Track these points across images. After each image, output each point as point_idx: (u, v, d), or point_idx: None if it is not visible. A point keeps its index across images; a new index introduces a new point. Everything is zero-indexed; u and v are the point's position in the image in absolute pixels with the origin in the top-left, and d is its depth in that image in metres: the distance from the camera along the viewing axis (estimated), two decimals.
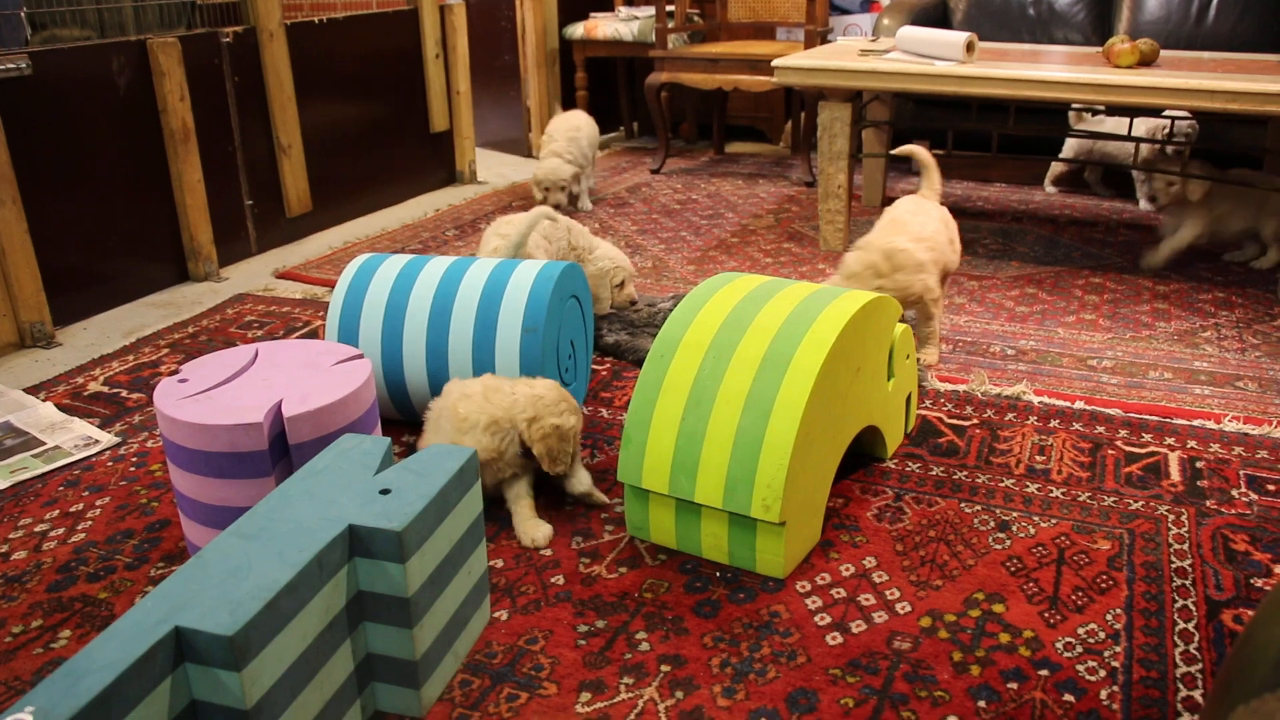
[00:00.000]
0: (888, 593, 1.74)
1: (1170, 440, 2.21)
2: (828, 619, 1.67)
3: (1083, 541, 1.86)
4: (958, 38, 3.19)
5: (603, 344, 2.72)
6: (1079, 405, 2.37)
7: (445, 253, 3.60)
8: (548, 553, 1.87)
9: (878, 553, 1.85)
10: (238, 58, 3.58)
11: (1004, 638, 1.62)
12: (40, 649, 1.67)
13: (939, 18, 4.45)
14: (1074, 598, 1.71)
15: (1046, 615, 1.67)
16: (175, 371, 1.93)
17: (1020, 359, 2.66)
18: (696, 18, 5.24)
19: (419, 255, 2.39)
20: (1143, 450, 2.17)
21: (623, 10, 5.33)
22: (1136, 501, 1.98)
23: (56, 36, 3.20)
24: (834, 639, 1.63)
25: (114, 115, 3.20)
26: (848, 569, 1.80)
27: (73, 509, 2.09)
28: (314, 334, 2.95)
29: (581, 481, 2.00)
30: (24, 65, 2.90)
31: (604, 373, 2.63)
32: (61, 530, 2.01)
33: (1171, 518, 1.93)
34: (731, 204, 4.26)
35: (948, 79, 3.12)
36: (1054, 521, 1.93)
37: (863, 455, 2.15)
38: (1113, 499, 1.99)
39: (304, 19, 3.90)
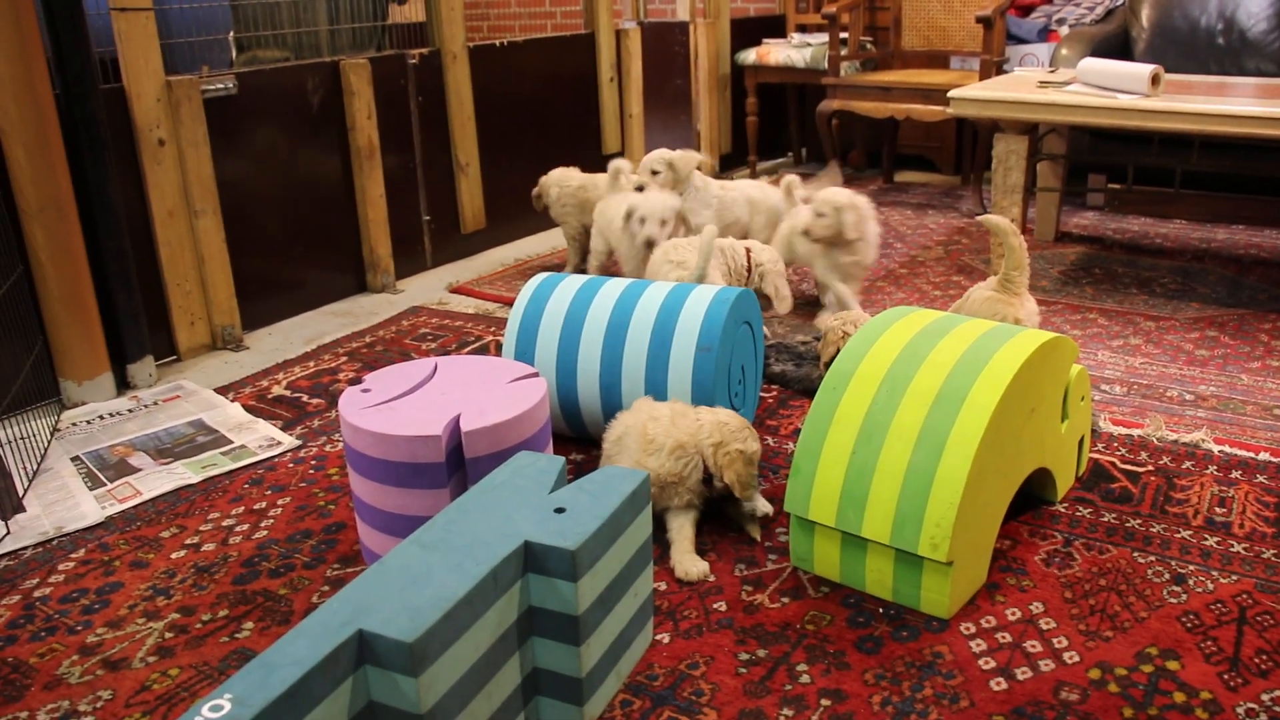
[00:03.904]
0: (1055, 640, 1.70)
1: None
2: (992, 663, 1.65)
3: (1267, 601, 1.78)
4: (1142, 70, 3.10)
5: (769, 373, 2.73)
6: (1264, 456, 2.27)
7: (613, 273, 3.66)
8: (711, 578, 1.88)
9: (1045, 599, 1.81)
10: (422, 78, 3.71)
11: (1179, 697, 1.57)
12: (226, 638, 1.76)
13: (1120, 47, 4.33)
14: (1257, 661, 1.64)
15: (1226, 677, 1.60)
16: (358, 380, 2.01)
17: (1199, 405, 2.56)
18: (869, 45, 5.21)
19: (595, 276, 2.44)
20: None
21: (795, 37, 5.34)
22: None
23: (257, 58, 3.38)
24: (998, 684, 1.60)
25: (306, 132, 3.36)
26: (1014, 613, 1.77)
27: (256, 506, 2.19)
28: (485, 348, 3.03)
29: (761, 505, 2.03)
30: (230, 85, 3.08)
31: (770, 400, 2.63)
32: (246, 526, 2.12)
33: None
34: (900, 234, 4.21)
35: (1132, 113, 3.04)
36: (1235, 578, 1.85)
37: (1032, 497, 2.11)
38: None
39: (483, 41, 4.02)
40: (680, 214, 3.17)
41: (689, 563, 1.89)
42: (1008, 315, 2.46)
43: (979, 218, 2.73)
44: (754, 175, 5.31)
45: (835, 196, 3.04)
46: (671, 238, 3.06)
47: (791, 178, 3.38)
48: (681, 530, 1.95)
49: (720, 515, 2.08)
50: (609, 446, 2.07)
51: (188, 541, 2.07)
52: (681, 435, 1.97)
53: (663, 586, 1.86)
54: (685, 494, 1.97)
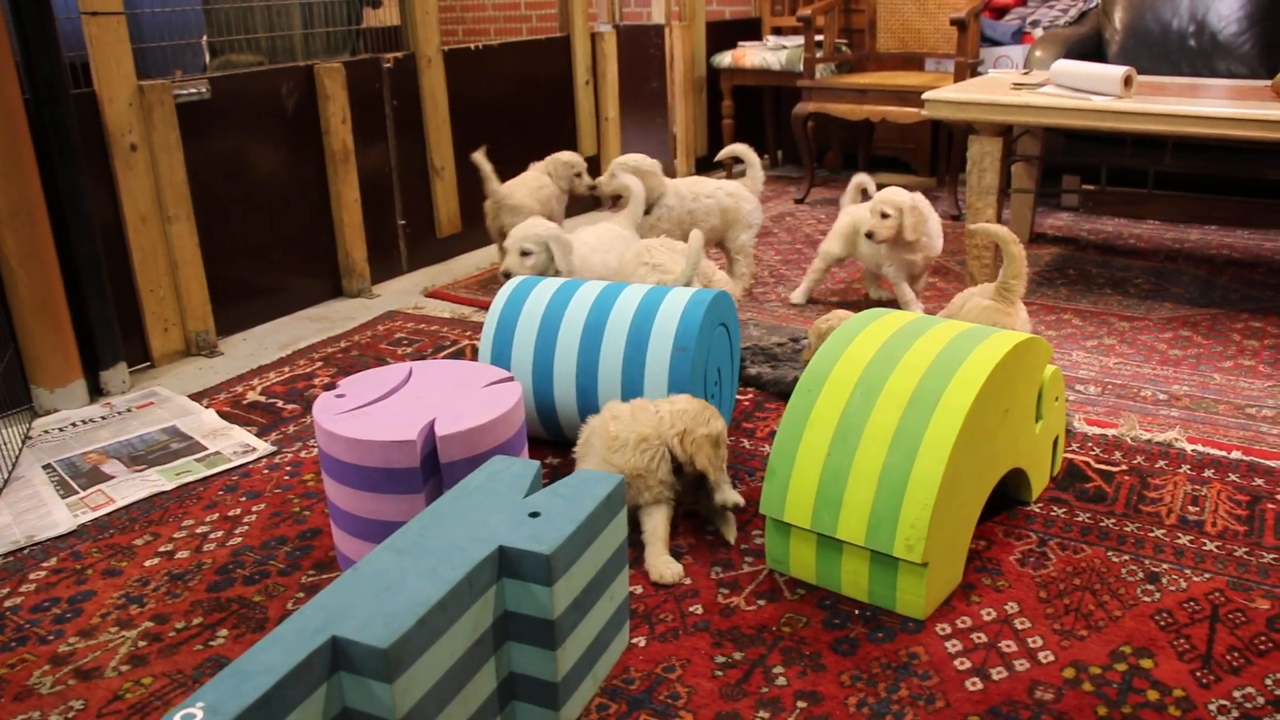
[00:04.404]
0: (1030, 640, 1.70)
1: None
2: (967, 664, 1.65)
3: (1239, 599, 1.79)
4: (1115, 72, 3.12)
5: (745, 375, 2.73)
6: (1235, 455, 2.29)
7: None
8: (687, 581, 1.88)
9: (1020, 598, 1.81)
10: (397, 82, 3.70)
11: (1152, 695, 1.57)
12: (200, 645, 1.75)
13: (1093, 49, 4.35)
14: (1229, 658, 1.65)
15: (1199, 675, 1.61)
16: (333, 386, 2.00)
17: (1173, 404, 2.58)
18: (845, 48, 5.23)
19: (570, 279, 2.43)
20: None
21: (771, 39, 5.35)
22: None
23: (231, 62, 3.36)
24: (973, 685, 1.60)
25: (280, 136, 3.35)
26: (989, 613, 1.78)
27: (231, 513, 2.18)
28: (461, 353, 3.03)
29: (730, 495, 2.01)
30: (204, 90, 3.06)
31: (746, 403, 2.63)
32: (220, 533, 2.10)
33: None
34: None
35: (1105, 114, 3.05)
36: (1207, 576, 1.86)
37: (1007, 497, 2.11)
38: (1273, 556, 1.92)
39: (458, 44, 4.02)
40: (551, 244, 2.87)
41: (663, 565, 1.89)
42: (1004, 325, 2.46)
43: (973, 227, 2.74)
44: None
45: (897, 197, 3.09)
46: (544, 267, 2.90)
47: (862, 176, 3.42)
48: (655, 531, 1.95)
49: (695, 517, 2.08)
50: (578, 450, 2.08)
51: (161, 549, 2.05)
52: (644, 428, 1.98)
53: (639, 590, 1.86)
54: (656, 486, 1.97)
